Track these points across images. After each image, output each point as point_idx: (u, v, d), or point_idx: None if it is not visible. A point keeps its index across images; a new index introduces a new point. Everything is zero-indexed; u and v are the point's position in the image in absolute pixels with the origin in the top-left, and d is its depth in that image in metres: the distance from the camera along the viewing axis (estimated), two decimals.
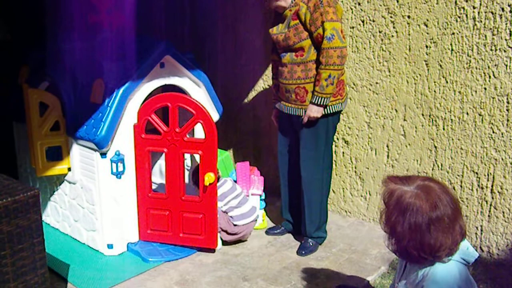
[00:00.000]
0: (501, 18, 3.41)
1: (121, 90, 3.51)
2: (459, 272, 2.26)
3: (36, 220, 2.69)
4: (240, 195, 3.95)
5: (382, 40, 3.96)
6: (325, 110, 3.60)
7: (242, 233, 3.89)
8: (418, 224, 2.15)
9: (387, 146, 4.10)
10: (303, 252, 3.83)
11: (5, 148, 4.41)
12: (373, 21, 3.97)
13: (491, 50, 3.49)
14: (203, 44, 5.20)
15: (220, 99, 4.20)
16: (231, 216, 3.86)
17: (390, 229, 2.25)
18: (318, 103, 3.52)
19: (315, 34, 3.43)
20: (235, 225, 3.85)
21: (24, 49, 4.28)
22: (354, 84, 4.17)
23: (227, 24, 4.94)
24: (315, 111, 3.56)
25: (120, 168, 3.66)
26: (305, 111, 3.60)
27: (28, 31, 4.75)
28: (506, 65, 3.45)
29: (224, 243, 3.95)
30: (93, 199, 3.72)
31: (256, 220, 4.00)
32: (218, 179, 3.86)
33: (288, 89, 3.65)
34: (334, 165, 4.39)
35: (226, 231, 3.90)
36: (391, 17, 3.88)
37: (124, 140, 3.65)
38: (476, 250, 3.73)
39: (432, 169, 3.90)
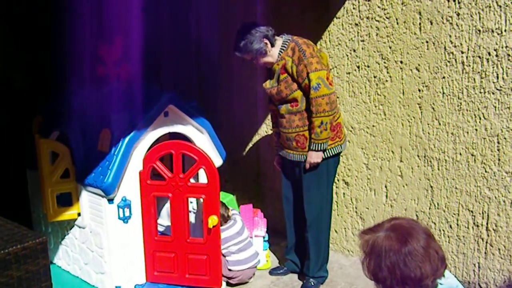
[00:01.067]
0: (488, 62, 3.57)
1: (126, 139, 3.70)
2: None
3: (45, 265, 2.85)
4: (244, 241, 4.09)
5: (377, 84, 4.12)
6: (325, 153, 3.76)
7: (237, 278, 4.01)
8: (394, 263, 2.26)
9: (386, 187, 4.23)
10: None
11: (19, 194, 4.59)
12: (368, 66, 4.15)
13: (480, 92, 3.64)
14: (208, 91, 5.41)
15: (225, 143, 4.37)
16: (227, 260, 3.98)
17: (373, 276, 2.37)
18: (316, 149, 3.68)
19: (303, 84, 3.62)
20: (229, 269, 3.98)
21: (38, 100, 4.51)
22: (352, 128, 4.33)
23: (232, 72, 5.15)
24: (315, 157, 3.72)
25: (127, 213, 3.82)
26: (306, 157, 3.76)
27: (42, 82, 5.00)
28: (495, 107, 3.59)
29: (228, 283, 4.06)
30: (101, 243, 3.88)
31: (256, 266, 4.13)
32: (228, 218, 4.03)
33: (289, 138, 3.82)
34: (335, 206, 4.52)
35: (226, 276, 4.04)
36: (384, 62, 4.05)
37: (130, 186, 3.82)
38: (475, 287, 3.85)
39: (429, 208, 4.01)
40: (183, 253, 3.94)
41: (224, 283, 4.02)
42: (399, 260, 2.27)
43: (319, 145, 3.66)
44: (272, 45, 3.74)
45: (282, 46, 3.75)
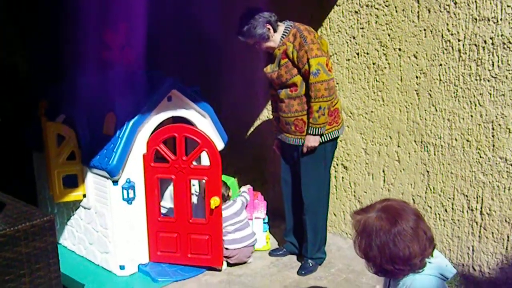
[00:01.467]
0: (484, 50, 3.65)
1: (131, 123, 3.81)
2: (437, 286, 2.46)
3: (52, 243, 2.96)
4: (242, 221, 4.21)
5: (375, 71, 4.21)
6: (322, 138, 3.86)
7: (234, 257, 4.13)
8: (384, 242, 2.37)
9: (383, 171, 4.33)
10: (303, 272, 4.06)
11: (25, 176, 4.71)
12: (367, 53, 4.23)
13: (476, 80, 3.72)
14: (210, 76, 5.50)
15: (228, 128, 4.47)
16: (223, 239, 4.11)
17: (364, 254, 2.47)
18: (314, 133, 3.78)
19: (303, 70, 3.71)
20: (226, 248, 4.10)
21: (44, 84, 4.61)
22: (351, 113, 4.42)
23: (234, 58, 5.24)
24: (312, 141, 3.82)
25: (131, 195, 3.94)
26: (304, 141, 3.86)
27: (48, 66, 5.08)
28: (490, 94, 3.67)
29: (229, 264, 4.19)
30: (106, 223, 4.00)
31: (253, 245, 4.25)
32: (228, 198, 4.15)
33: (288, 122, 3.91)
34: (334, 190, 4.63)
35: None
36: (383, 49, 4.13)
37: (134, 169, 3.93)
38: (469, 270, 3.97)
39: (425, 193, 4.11)
40: (186, 233, 4.06)
41: (225, 263, 4.14)
42: (389, 240, 2.38)
43: (317, 129, 3.76)
44: (275, 31, 3.83)
45: (284, 31, 3.83)
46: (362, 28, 4.21)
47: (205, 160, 4.24)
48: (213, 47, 5.42)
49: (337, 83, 4.43)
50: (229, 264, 4.19)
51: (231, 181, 4.89)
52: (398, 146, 4.20)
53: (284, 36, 3.82)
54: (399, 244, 2.37)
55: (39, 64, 5.51)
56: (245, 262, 4.23)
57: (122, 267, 4.03)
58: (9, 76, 5.63)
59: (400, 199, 2.57)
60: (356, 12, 4.22)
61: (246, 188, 4.55)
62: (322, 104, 3.72)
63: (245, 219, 4.25)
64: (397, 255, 2.39)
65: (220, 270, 4.11)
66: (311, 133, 3.78)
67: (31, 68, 5.73)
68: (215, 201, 3.94)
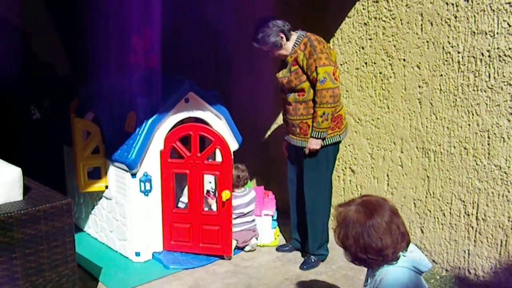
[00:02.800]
0: (481, 62, 3.83)
1: (149, 121, 4.15)
2: (409, 278, 2.65)
3: (69, 224, 3.33)
4: (247, 214, 4.57)
5: (382, 80, 4.44)
6: (325, 141, 4.11)
7: (238, 240, 4.48)
8: (359, 233, 2.61)
9: (387, 175, 4.54)
10: (305, 267, 4.31)
11: (57, 168, 5.12)
12: (374, 63, 4.46)
13: (474, 90, 3.91)
14: (224, 79, 5.86)
15: (243, 131, 4.77)
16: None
17: (341, 243, 2.71)
18: (316, 136, 4.04)
19: (311, 77, 3.97)
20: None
21: (78, 84, 5.02)
22: (359, 119, 4.66)
23: (250, 63, 5.55)
24: (314, 144, 4.08)
25: (148, 187, 4.28)
26: (307, 143, 4.13)
27: (81, 68, 5.51)
28: (487, 104, 3.85)
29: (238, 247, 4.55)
30: (124, 213, 4.35)
31: (254, 230, 4.58)
32: (245, 183, 4.56)
33: (294, 124, 4.19)
34: (342, 192, 4.87)
35: None
36: (389, 60, 4.36)
37: (152, 163, 4.27)
38: (464, 273, 4.13)
39: (426, 197, 4.30)
40: (198, 224, 4.39)
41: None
42: (364, 231, 2.62)
43: (319, 133, 4.02)
44: (287, 39, 4.10)
45: (296, 40, 4.10)
46: (370, 39, 4.45)
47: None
48: (227, 52, 5.75)
49: (347, 91, 4.68)
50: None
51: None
52: (401, 152, 4.41)
53: (296, 45, 4.09)
54: (372, 235, 2.61)
55: (75, 65, 5.95)
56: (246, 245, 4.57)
57: (137, 254, 4.37)
58: (48, 75, 6.11)
59: (380, 196, 2.80)
60: (365, 24, 4.46)
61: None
62: (326, 110, 3.97)
63: (251, 211, 4.59)
64: (370, 246, 2.62)
65: (230, 259, 4.43)
66: (314, 136, 4.05)
67: (69, 69, 6.19)
68: (226, 194, 4.25)
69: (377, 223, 2.61)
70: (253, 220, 4.63)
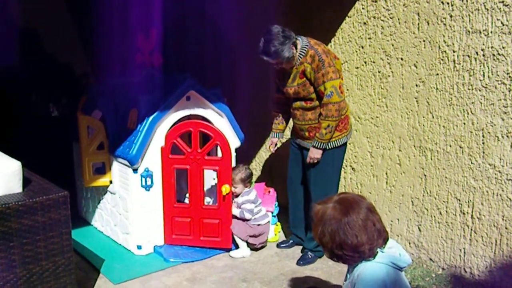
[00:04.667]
0: (475, 60, 3.85)
1: (150, 118, 4.28)
2: (387, 273, 2.69)
3: (65, 215, 3.46)
4: (257, 207, 4.66)
5: (380, 79, 4.48)
6: (331, 144, 4.17)
7: (264, 234, 4.60)
8: (335, 230, 2.66)
9: (386, 174, 4.58)
10: (301, 262, 4.38)
11: (66, 164, 5.29)
12: (373, 62, 4.50)
13: (468, 89, 3.92)
14: (224, 78, 5.97)
15: (246, 129, 4.86)
16: (253, 222, 4.54)
17: (318, 239, 2.77)
18: (318, 147, 4.11)
19: (318, 89, 4.04)
20: (258, 225, 4.54)
21: (87, 83, 5.20)
22: (359, 118, 4.70)
23: (253, 60, 5.61)
24: (315, 153, 4.15)
25: (149, 182, 4.41)
26: None
27: (91, 68, 5.69)
28: (481, 103, 3.86)
29: (252, 248, 4.60)
30: (127, 207, 4.49)
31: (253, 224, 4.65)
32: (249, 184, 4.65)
33: (302, 128, 4.25)
34: (344, 190, 4.91)
35: (254, 235, 4.55)
36: (387, 59, 4.40)
37: (153, 159, 4.40)
38: (460, 271, 4.14)
39: (423, 196, 4.33)
40: (198, 218, 4.50)
41: (248, 251, 4.55)
42: (339, 228, 2.68)
43: (321, 143, 4.10)
44: (296, 49, 4.09)
45: (301, 51, 4.07)
46: (370, 39, 4.49)
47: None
48: (229, 53, 5.86)
49: (347, 89, 4.73)
50: (251, 248, 4.61)
51: None
52: (400, 150, 4.44)
53: (301, 55, 4.06)
54: (348, 232, 2.66)
55: (91, 64, 6.14)
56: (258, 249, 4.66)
57: (139, 247, 4.50)
58: (66, 73, 6.31)
59: (357, 194, 2.85)
60: (364, 23, 4.51)
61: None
62: (331, 123, 4.04)
63: (260, 209, 4.68)
64: (346, 242, 2.67)
65: (229, 250, 4.54)
66: (316, 146, 4.12)
67: (86, 68, 6.38)
68: (226, 189, 4.36)
69: (353, 220, 2.66)
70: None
